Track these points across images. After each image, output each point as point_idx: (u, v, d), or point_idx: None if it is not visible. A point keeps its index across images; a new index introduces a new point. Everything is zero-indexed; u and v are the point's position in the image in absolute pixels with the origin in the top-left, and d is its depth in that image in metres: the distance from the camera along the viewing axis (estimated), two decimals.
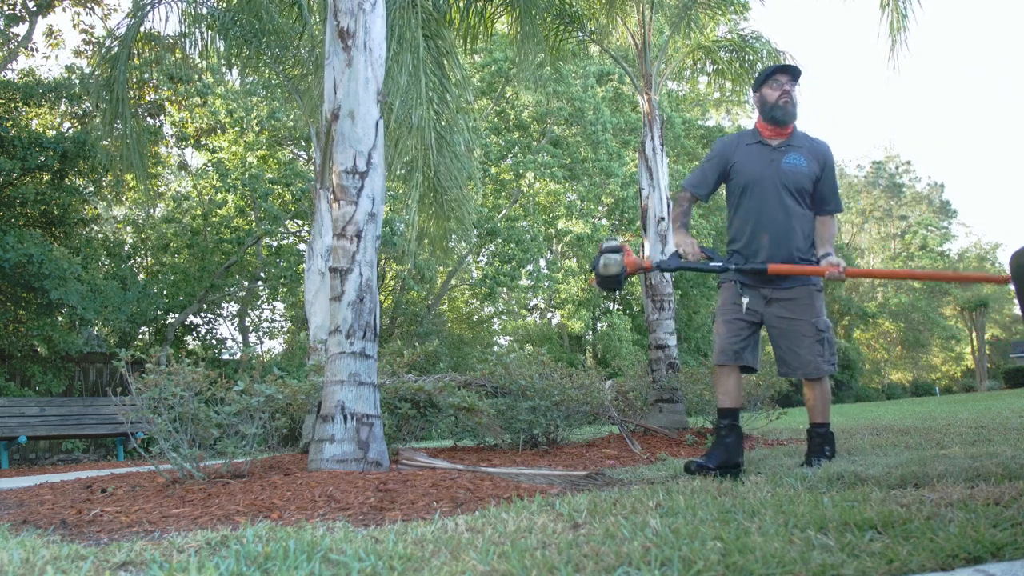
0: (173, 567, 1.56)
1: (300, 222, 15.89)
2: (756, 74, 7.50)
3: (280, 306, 18.80)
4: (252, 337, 18.95)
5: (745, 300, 3.35)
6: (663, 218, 6.56)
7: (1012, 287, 2.11)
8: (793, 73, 3.43)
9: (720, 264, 3.37)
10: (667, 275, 6.56)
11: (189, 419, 3.57)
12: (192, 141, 15.76)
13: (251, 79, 11.85)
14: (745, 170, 3.41)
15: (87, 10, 14.02)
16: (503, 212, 19.01)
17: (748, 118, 23.30)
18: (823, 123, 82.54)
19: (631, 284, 19.15)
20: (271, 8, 7.10)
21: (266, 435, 4.14)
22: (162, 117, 14.95)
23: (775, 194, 3.33)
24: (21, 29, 13.07)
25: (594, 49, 10.95)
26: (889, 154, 44.90)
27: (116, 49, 6.85)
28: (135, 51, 7.02)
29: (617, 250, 3.32)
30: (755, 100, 3.49)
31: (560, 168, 18.41)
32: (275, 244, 16.49)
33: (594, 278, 3.42)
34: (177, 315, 14.03)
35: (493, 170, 18.41)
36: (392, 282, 17.74)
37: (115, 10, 15.80)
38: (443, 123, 6.29)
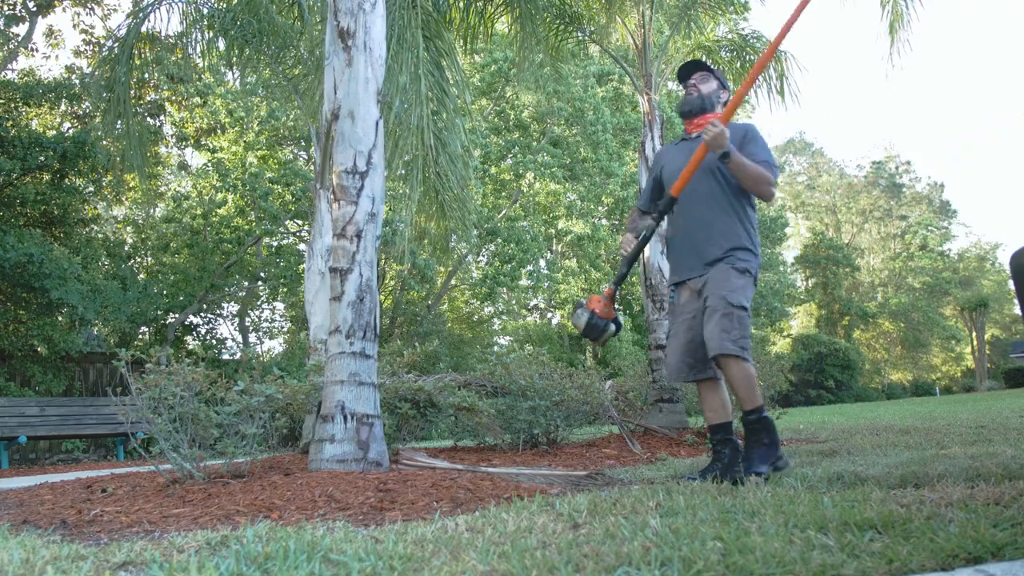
0: (173, 567, 1.56)
1: (300, 222, 15.90)
2: None
3: (280, 306, 18.82)
4: (252, 337, 18.98)
5: (677, 300, 3.42)
6: None
7: (1012, 286, 2.11)
8: (701, 67, 3.53)
9: (647, 228, 3.43)
10: (665, 274, 6.59)
11: (189, 419, 3.57)
12: (192, 141, 15.77)
13: (251, 79, 11.84)
14: (670, 166, 3.51)
15: (87, 10, 14.04)
16: (503, 212, 19.00)
17: (748, 118, 23.29)
18: (823, 123, 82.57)
19: (631, 285, 19.15)
20: (271, 8, 7.10)
21: (266, 435, 4.13)
22: (162, 117, 14.97)
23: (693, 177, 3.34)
24: (21, 29, 13.11)
25: (594, 49, 10.95)
26: (889, 154, 44.95)
27: (117, 50, 6.87)
28: (135, 51, 7.03)
29: (580, 305, 3.53)
30: None
31: (560, 168, 18.39)
32: (275, 244, 16.50)
33: (589, 340, 3.61)
34: (177, 315, 14.03)
35: (493, 170, 18.40)
36: (392, 282, 17.74)
37: (115, 10, 15.84)
38: (440, 124, 6.29)
